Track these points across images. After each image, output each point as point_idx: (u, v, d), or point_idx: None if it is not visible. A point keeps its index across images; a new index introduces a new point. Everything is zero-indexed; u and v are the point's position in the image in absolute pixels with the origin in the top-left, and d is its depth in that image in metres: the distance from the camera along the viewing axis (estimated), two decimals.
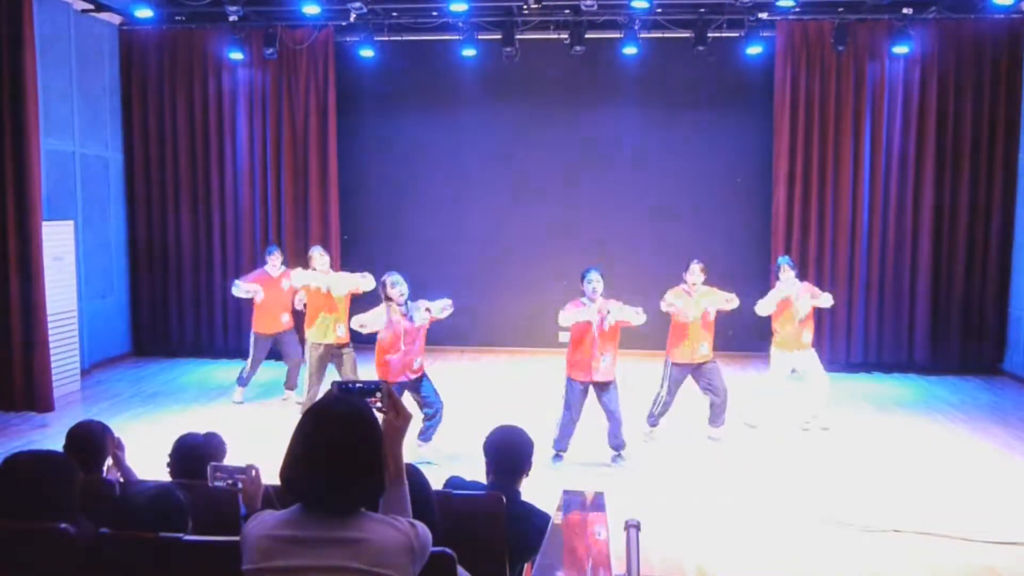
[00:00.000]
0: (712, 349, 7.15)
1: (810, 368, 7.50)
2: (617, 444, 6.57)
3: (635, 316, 6.41)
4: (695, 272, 7.07)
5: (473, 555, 2.66)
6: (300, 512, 2.09)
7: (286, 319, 8.35)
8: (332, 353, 7.49)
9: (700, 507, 5.67)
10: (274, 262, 8.36)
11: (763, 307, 7.43)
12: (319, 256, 7.63)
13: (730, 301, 7.07)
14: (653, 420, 7.22)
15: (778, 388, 7.65)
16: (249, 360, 8.35)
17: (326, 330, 7.42)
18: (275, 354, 8.59)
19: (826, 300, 7.47)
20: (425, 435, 6.56)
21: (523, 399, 8.41)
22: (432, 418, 6.55)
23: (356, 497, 2.08)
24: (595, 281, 6.42)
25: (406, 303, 6.46)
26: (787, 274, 7.41)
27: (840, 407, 8.11)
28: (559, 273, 10.46)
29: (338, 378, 7.16)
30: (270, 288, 8.23)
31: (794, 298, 7.33)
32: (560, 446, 6.58)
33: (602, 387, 6.48)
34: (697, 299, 7.03)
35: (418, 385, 6.54)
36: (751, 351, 9.94)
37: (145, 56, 10.46)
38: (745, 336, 9.78)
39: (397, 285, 6.43)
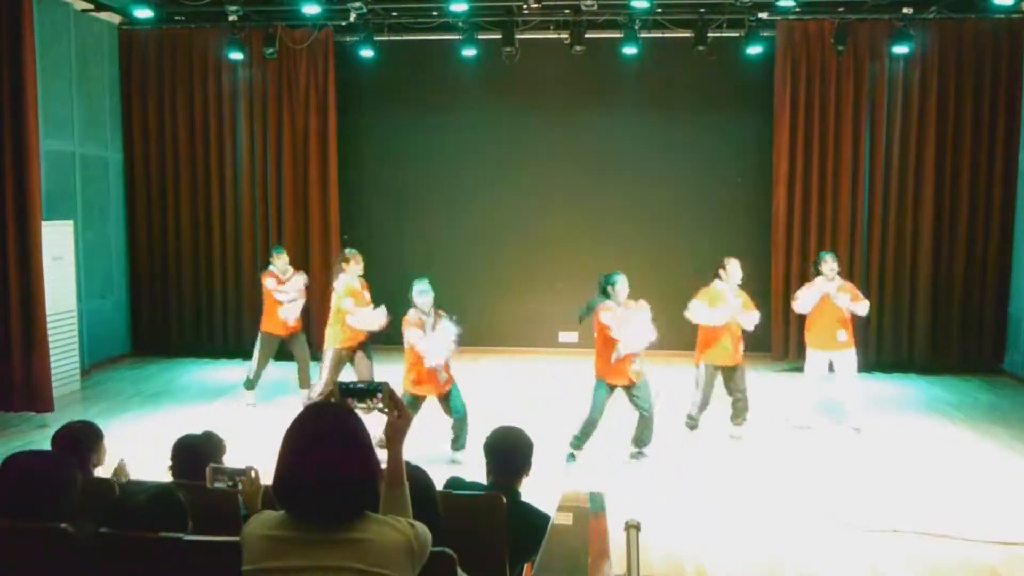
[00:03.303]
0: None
1: (841, 370, 7.45)
2: (646, 440, 6.58)
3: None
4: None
5: (473, 555, 2.66)
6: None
7: (294, 320, 8.34)
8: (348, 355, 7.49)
9: (700, 507, 5.67)
10: (282, 264, 8.30)
11: (802, 305, 7.39)
12: (357, 260, 7.51)
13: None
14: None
15: (812, 387, 7.59)
16: (256, 360, 8.22)
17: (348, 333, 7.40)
18: (280, 354, 8.55)
19: (862, 307, 7.37)
20: (458, 442, 6.54)
21: (523, 399, 8.41)
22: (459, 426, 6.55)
23: (347, 506, 2.05)
24: (621, 286, 6.42)
25: (431, 311, 6.45)
26: (830, 266, 7.31)
27: (838, 406, 8.10)
28: (559, 273, 10.50)
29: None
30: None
31: (831, 296, 7.27)
32: (579, 445, 6.56)
33: (633, 386, 6.47)
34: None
35: (448, 396, 6.54)
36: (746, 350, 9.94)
37: (145, 56, 10.45)
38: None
39: (423, 294, 6.41)
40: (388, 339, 8.16)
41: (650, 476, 6.32)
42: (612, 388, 6.49)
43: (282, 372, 8.76)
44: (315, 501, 2.04)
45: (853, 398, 7.47)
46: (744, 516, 5.50)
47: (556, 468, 6.44)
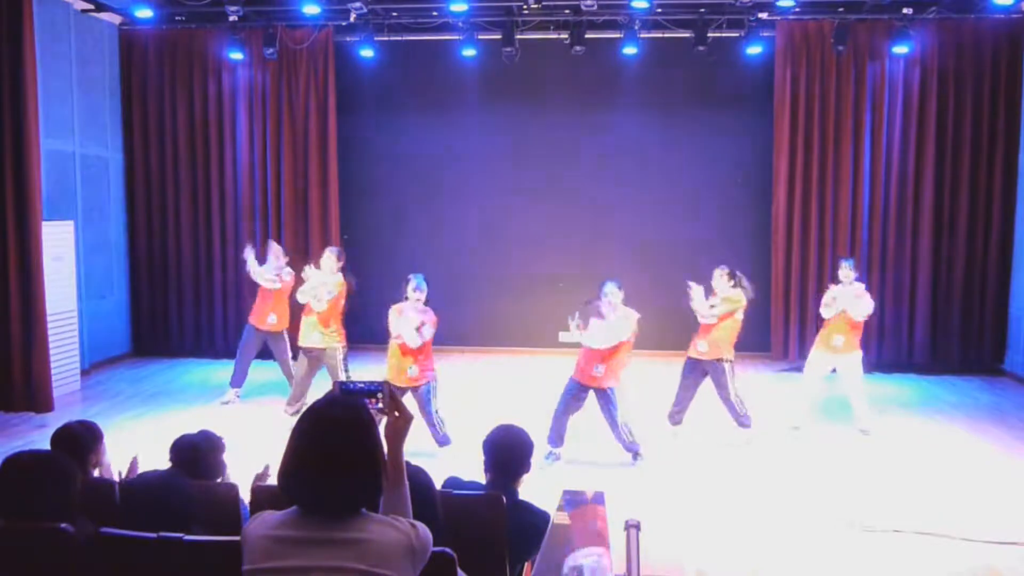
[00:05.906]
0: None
1: (843, 375, 7.49)
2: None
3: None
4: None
5: (473, 555, 2.66)
6: (300, 512, 2.09)
7: (273, 320, 8.30)
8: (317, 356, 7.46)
9: (700, 507, 5.67)
10: (271, 257, 8.34)
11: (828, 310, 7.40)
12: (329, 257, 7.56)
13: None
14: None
15: (807, 387, 7.60)
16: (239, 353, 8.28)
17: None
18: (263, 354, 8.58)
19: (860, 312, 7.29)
20: None
21: (523, 399, 8.40)
22: None
23: (353, 498, 2.08)
24: (611, 294, 6.43)
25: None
26: (845, 272, 7.30)
27: (840, 407, 8.10)
28: (559, 273, 10.50)
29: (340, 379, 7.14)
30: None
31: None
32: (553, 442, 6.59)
33: (600, 393, 6.49)
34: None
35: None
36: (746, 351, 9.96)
37: (145, 56, 10.46)
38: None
39: (419, 289, 6.48)
40: (371, 337, 8.16)
41: (650, 476, 6.32)
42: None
43: (276, 372, 8.73)
44: (320, 490, 2.05)
45: (857, 401, 7.46)
46: (744, 516, 5.50)
47: (557, 468, 6.45)
